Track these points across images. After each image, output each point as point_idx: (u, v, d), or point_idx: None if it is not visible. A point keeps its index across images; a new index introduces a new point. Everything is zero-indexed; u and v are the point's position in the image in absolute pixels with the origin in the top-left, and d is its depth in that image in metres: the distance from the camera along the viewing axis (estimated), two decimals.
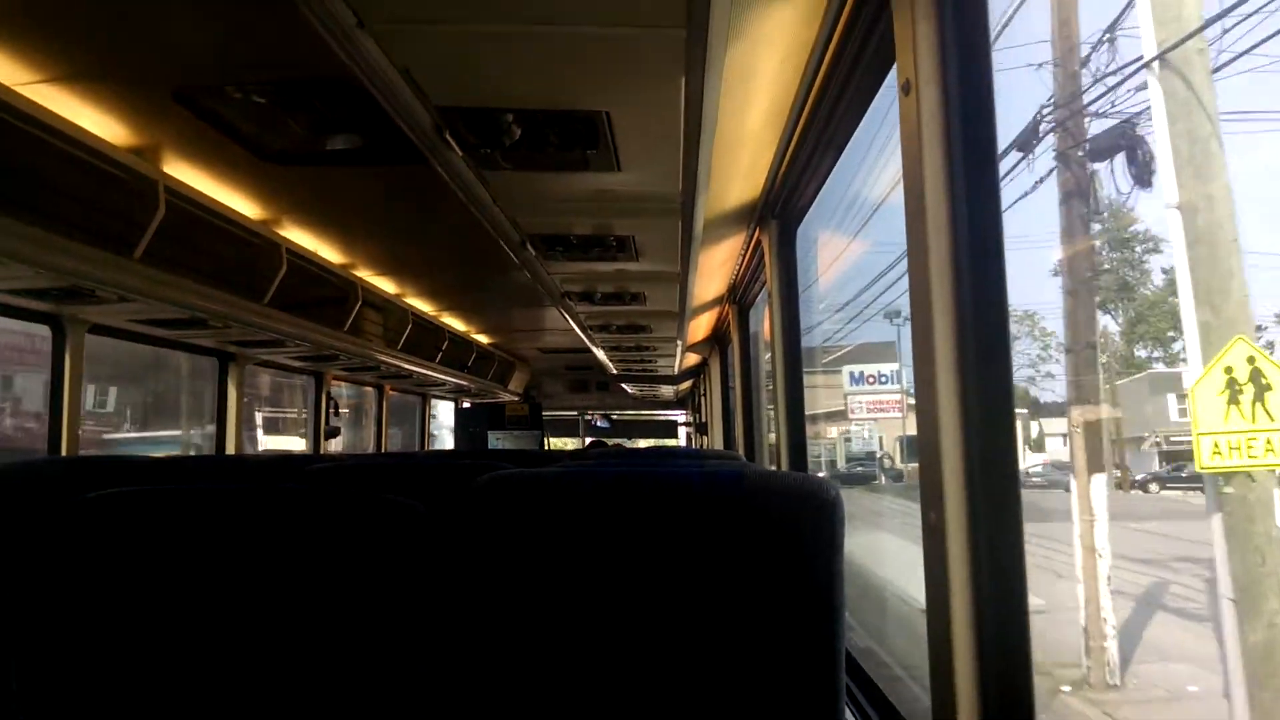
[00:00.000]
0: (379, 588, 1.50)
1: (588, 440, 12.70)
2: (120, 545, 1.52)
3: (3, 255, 2.75)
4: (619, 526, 1.52)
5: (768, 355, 3.85)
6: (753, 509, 1.51)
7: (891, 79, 1.88)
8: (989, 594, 1.47)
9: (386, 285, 5.68)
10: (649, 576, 1.50)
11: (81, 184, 2.98)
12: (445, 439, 11.72)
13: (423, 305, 6.42)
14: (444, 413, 11.27)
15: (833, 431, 22.71)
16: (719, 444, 7.53)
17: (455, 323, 7.23)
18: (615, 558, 1.51)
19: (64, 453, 3.82)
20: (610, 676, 1.48)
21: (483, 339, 8.21)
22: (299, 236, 4.39)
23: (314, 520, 1.55)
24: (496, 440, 10.78)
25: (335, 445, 6.92)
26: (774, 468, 4.53)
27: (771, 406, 3.92)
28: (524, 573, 1.51)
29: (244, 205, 3.86)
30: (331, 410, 6.64)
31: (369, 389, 8.05)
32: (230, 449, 5.17)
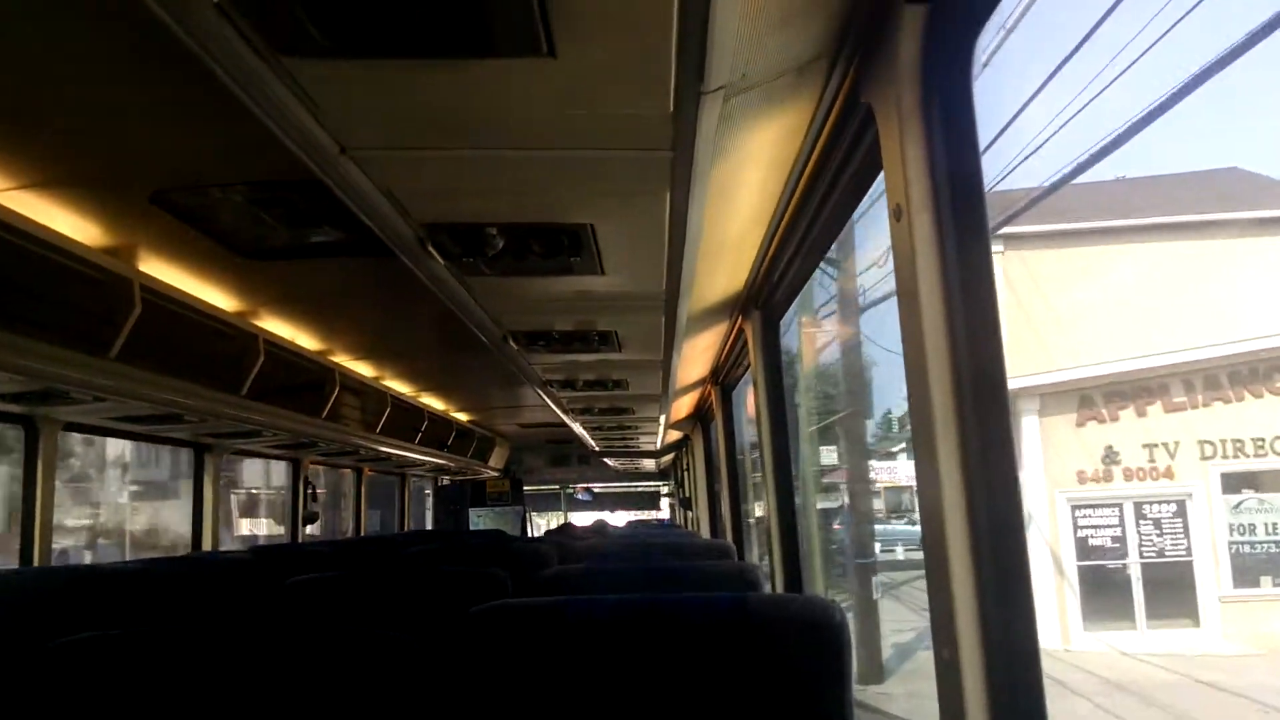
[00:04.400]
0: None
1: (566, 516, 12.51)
2: (97, 693, 1.46)
3: None
4: (621, 659, 1.48)
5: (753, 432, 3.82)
6: (758, 640, 1.47)
7: (876, 188, 1.86)
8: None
9: (365, 370, 5.60)
10: (655, 709, 1.45)
11: (56, 287, 2.91)
12: (424, 516, 11.54)
13: (401, 387, 6.34)
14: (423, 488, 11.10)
15: None
16: (704, 521, 7.44)
17: (434, 403, 7.15)
18: (618, 689, 1.48)
19: (36, 561, 3.68)
20: None
21: (462, 417, 8.12)
22: (276, 326, 4.33)
23: (304, 657, 1.52)
24: (478, 519, 10.57)
25: (313, 530, 6.79)
26: (763, 551, 4.46)
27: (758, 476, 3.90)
28: (522, 706, 1.47)
29: (220, 299, 3.80)
30: (310, 495, 6.51)
31: (347, 471, 7.92)
32: (207, 544, 5.02)
